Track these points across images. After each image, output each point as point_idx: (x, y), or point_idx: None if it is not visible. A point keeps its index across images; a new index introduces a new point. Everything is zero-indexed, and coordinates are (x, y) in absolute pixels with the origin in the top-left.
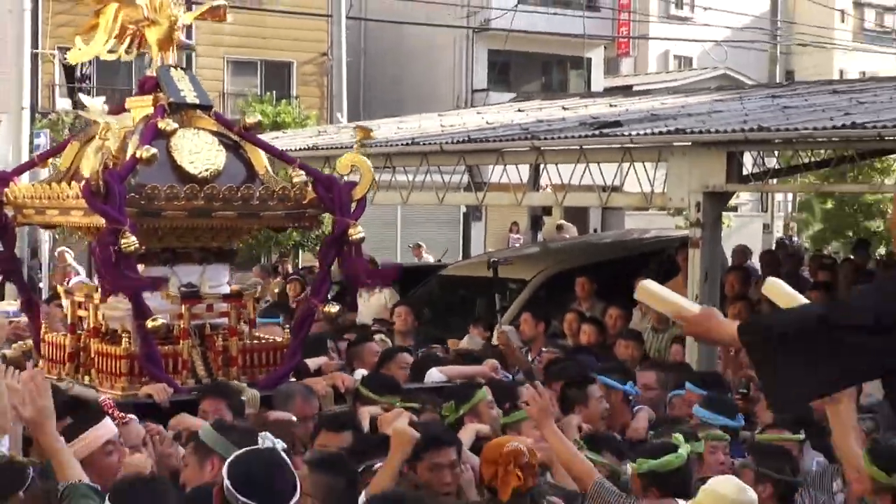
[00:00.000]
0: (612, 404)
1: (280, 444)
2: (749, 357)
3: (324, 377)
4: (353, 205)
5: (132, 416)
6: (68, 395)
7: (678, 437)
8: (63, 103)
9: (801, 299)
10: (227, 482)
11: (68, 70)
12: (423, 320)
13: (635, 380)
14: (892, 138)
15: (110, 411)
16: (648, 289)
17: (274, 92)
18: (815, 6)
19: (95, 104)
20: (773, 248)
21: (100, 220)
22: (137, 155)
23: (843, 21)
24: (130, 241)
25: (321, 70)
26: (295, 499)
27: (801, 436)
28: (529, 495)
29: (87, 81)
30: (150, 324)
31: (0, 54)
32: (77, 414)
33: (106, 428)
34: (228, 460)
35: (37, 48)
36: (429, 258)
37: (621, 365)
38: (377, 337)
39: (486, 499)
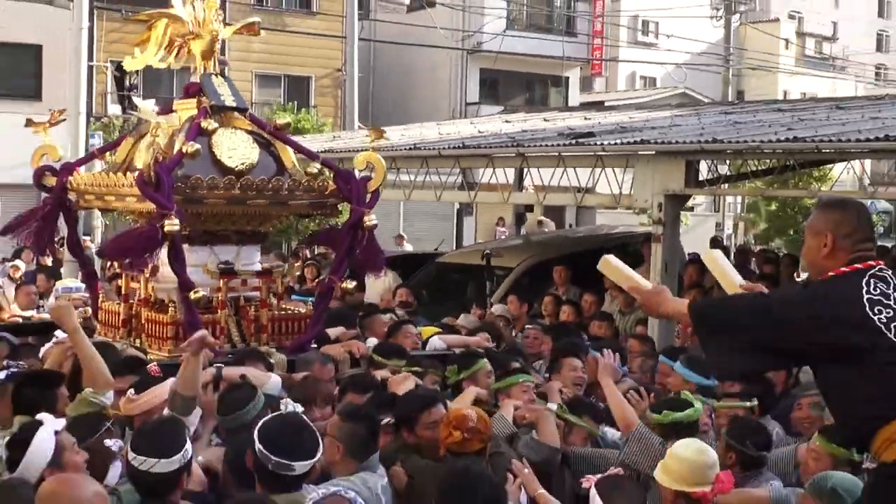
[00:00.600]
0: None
1: (299, 408)
2: (694, 331)
3: (341, 344)
4: (368, 196)
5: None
6: (129, 356)
7: (687, 394)
8: (114, 109)
9: (730, 270)
10: (258, 446)
11: (118, 80)
12: (422, 302)
13: (623, 354)
14: (828, 151)
15: (156, 373)
16: (611, 262)
17: (295, 102)
18: (763, 35)
19: (147, 106)
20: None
21: (150, 206)
22: (183, 150)
23: (787, 48)
24: (174, 224)
25: (336, 83)
26: (319, 452)
27: (753, 403)
28: (485, 456)
29: (135, 90)
30: (192, 295)
31: (61, 66)
32: (139, 372)
33: (166, 388)
34: (258, 427)
35: (92, 61)
36: (409, 247)
37: (614, 343)
38: (386, 315)
39: (447, 459)
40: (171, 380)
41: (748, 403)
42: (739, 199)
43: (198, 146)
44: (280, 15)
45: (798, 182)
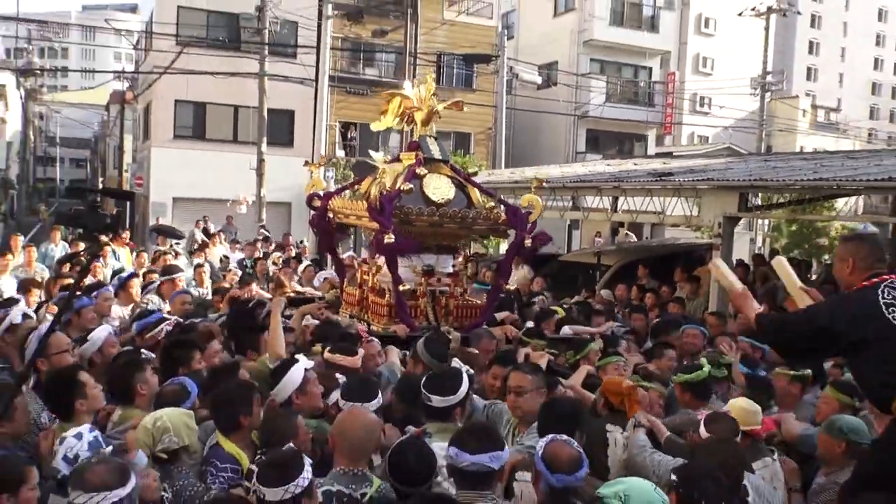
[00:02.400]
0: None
1: (466, 368)
2: (760, 334)
3: (500, 327)
4: (528, 225)
5: (375, 339)
6: (343, 328)
7: (703, 360)
8: (340, 153)
9: (794, 276)
10: (424, 392)
11: (343, 134)
12: (548, 288)
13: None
14: (841, 188)
15: (362, 335)
16: (717, 264)
17: (461, 150)
18: (787, 106)
19: (378, 156)
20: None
21: (376, 224)
22: (401, 188)
23: (803, 116)
24: (390, 238)
25: (487, 137)
26: (459, 392)
27: (806, 372)
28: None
29: (354, 141)
30: (401, 287)
31: (307, 124)
32: (349, 338)
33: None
34: (427, 375)
35: (326, 121)
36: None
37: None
38: (538, 298)
39: (606, 414)
40: (361, 352)
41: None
42: (768, 220)
43: (411, 185)
44: (451, 91)
45: (813, 210)
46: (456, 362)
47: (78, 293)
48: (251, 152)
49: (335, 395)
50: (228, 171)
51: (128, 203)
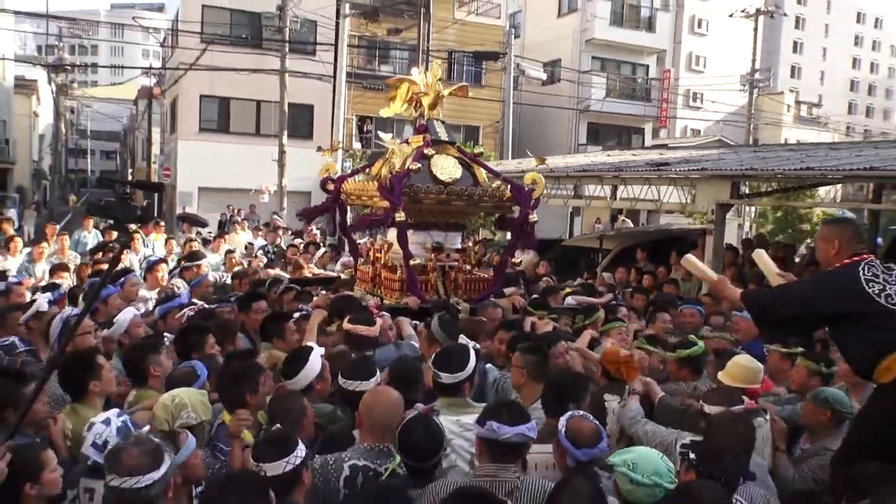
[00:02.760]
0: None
1: (470, 343)
2: (749, 311)
3: (507, 298)
4: (532, 202)
5: (386, 313)
6: (358, 302)
7: (694, 338)
8: (356, 144)
9: (771, 264)
10: (434, 370)
11: (359, 126)
12: (552, 270)
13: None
14: (826, 176)
15: (373, 310)
16: (690, 260)
17: (470, 142)
18: (773, 101)
19: (387, 137)
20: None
21: (387, 203)
22: (410, 167)
23: (787, 111)
24: (400, 215)
25: (495, 130)
26: (468, 367)
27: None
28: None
29: (370, 132)
30: (412, 262)
31: (326, 118)
32: (362, 311)
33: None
34: (436, 353)
35: (343, 114)
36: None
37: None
38: (543, 280)
39: (605, 383)
40: (379, 322)
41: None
42: (755, 207)
43: (419, 165)
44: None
45: (797, 197)
46: (462, 339)
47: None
48: (273, 144)
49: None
50: (251, 163)
51: (156, 194)
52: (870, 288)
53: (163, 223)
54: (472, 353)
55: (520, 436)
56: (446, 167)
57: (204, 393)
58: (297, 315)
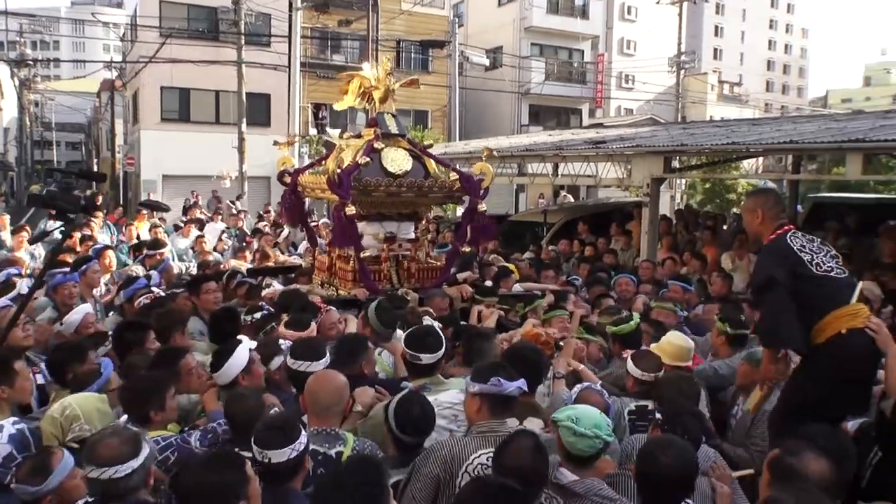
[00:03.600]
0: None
1: (436, 324)
2: (772, 345)
3: (456, 287)
4: (481, 191)
5: (332, 308)
6: (304, 297)
7: (635, 315)
8: (312, 132)
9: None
10: (411, 353)
11: (315, 115)
12: (501, 244)
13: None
14: (750, 150)
15: (320, 306)
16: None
17: (420, 126)
18: (698, 82)
19: (334, 133)
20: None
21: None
22: (359, 161)
23: (711, 90)
24: (350, 209)
25: (443, 114)
26: (439, 352)
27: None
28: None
29: (325, 120)
30: (365, 253)
31: (282, 106)
32: (310, 307)
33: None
34: (408, 336)
35: (299, 103)
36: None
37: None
38: (492, 257)
39: None
40: (313, 326)
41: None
42: (685, 180)
43: (368, 159)
44: (409, 73)
45: (723, 170)
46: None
47: (54, 270)
48: (232, 132)
49: (277, 360)
50: (212, 150)
51: (120, 182)
52: (803, 255)
53: (119, 210)
54: (440, 331)
55: (518, 389)
56: (396, 159)
57: (102, 398)
58: (258, 315)
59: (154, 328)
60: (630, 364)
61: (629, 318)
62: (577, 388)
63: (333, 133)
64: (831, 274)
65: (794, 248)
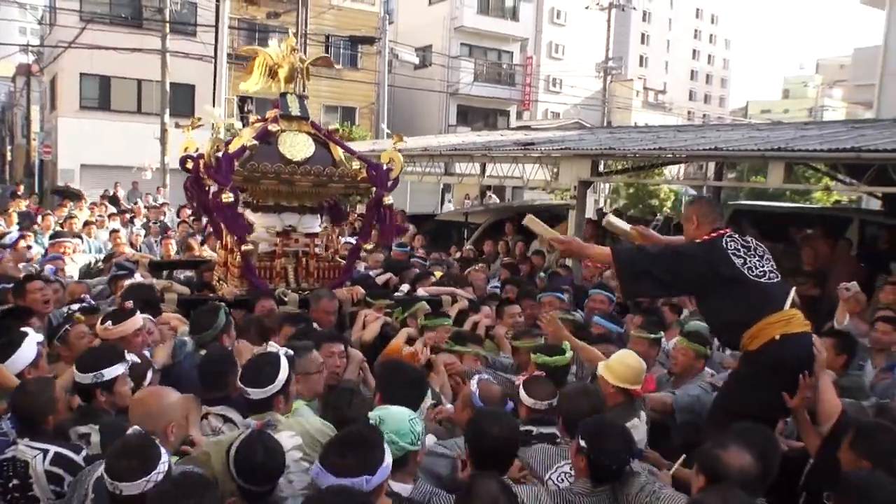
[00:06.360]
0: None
1: (282, 350)
2: (616, 268)
3: (346, 289)
4: (389, 182)
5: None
6: (149, 289)
7: (566, 345)
8: (238, 123)
9: (626, 226)
10: (241, 386)
11: (240, 106)
12: (427, 243)
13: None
14: (676, 156)
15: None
16: (534, 220)
17: (347, 122)
18: (624, 88)
19: (213, 111)
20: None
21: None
22: (246, 145)
23: (637, 96)
24: (227, 196)
25: (371, 111)
26: (272, 385)
27: (660, 335)
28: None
29: (251, 112)
30: (244, 248)
31: (207, 97)
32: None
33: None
34: (244, 367)
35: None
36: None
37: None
38: (420, 249)
39: None
40: (138, 316)
41: (653, 336)
42: (609, 184)
43: (255, 143)
44: (339, 70)
45: (647, 175)
46: (273, 346)
47: None
48: (155, 123)
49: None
50: (133, 140)
51: (36, 171)
52: (736, 258)
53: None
54: (284, 361)
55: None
56: (296, 144)
57: None
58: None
59: None
60: (522, 392)
61: (559, 349)
62: (476, 378)
63: (212, 111)
64: (763, 279)
65: (728, 250)
